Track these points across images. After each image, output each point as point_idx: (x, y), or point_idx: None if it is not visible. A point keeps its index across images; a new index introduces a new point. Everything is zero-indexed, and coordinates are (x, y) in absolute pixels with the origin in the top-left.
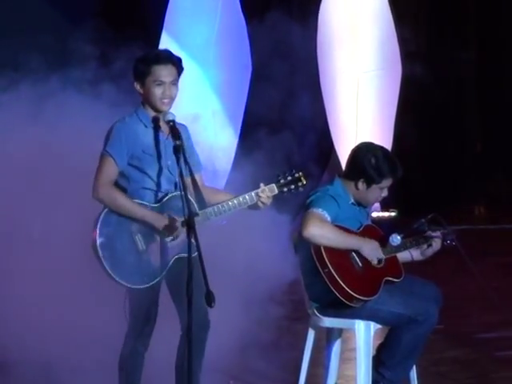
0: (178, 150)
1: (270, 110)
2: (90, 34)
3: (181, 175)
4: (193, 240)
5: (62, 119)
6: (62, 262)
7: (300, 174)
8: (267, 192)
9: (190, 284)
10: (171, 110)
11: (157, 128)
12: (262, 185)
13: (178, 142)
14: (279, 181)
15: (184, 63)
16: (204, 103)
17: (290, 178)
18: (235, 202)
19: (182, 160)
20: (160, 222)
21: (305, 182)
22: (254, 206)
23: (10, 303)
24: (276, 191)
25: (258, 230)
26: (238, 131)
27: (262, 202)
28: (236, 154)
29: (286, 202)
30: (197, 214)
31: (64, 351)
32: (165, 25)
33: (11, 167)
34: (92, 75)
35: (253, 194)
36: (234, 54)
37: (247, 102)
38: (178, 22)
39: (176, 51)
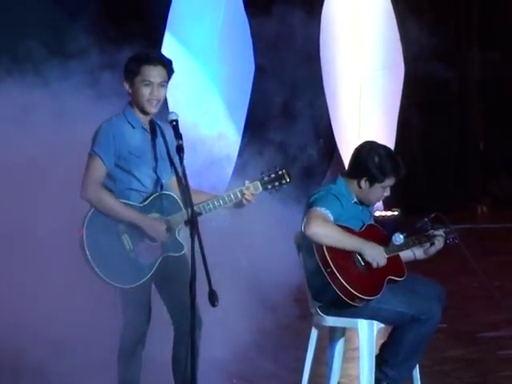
0: (181, 150)
1: (272, 107)
2: (92, 32)
3: (184, 175)
4: (179, 239)
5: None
6: (57, 259)
7: (283, 171)
8: (251, 189)
9: (193, 284)
10: (173, 109)
11: (153, 131)
12: (246, 182)
13: (180, 142)
14: (263, 178)
15: (187, 62)
16: (207, 101)
17: (273, 175)
18: (220, 200)
19: (181, 160)
20: (147, 225)
21: (288, 180)
22: (238, 204)
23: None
24: (260, 188)
25: (263, 228)
26: (242, 129)
27: (247, 199)
28: (239, 151)
29: (295, 200)
30: (200, 214)
31: (61, 351)
32: (168, 24)
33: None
34: (93, 73)
35: (237, 191)
36: (237, 53)
37: (250, 100)
38: (182, 21)
39: (179, 50)
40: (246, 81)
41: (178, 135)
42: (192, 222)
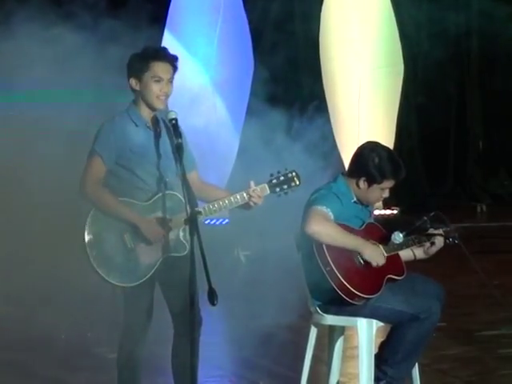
0: (180, 149)
1: (271, 105)
2: (91, 31)
3: (183, 174)
4: (182, 239)
5: None
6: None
7: (293, 174)
8: (259, 192)
9: (192, 283)
10: (173, 108)
11: (156, 128)
12: (253, 184)
13: (179, 141)
14: (271, 181)
15: (187, 62)
16: (206, 101)
17: (282, 178)
18: (226, 201)
19: (180, 159)
20: (143, 225)
21: (298, 183)
22: (245, 206)
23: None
24: (268, 191)
25: (260, 227)
26: (240, 129)
27: (254, 202)
28: (238, 150)
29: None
30: (199, 212)
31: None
32: (167, 23)
33: None
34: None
35: (244, 193)
36: (236, 53)
37: (249, 99)
38: (181, 20)
39: (178, 50)
40: (246, 79)
41: (178, 134)
42: (191, 221)
